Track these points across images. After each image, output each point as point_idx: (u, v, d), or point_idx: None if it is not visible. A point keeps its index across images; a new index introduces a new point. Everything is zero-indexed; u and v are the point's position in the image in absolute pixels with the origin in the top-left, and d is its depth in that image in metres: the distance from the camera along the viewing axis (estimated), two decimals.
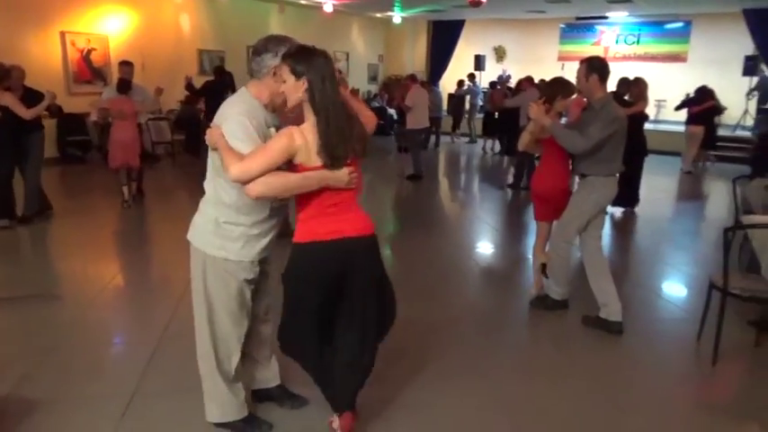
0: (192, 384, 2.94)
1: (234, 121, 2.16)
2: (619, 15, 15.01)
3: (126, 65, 6.83)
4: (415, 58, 17.84)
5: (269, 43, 2.23)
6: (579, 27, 16.35)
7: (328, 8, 13.10)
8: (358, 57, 16.12)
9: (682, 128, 10.88)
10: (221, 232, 2.29)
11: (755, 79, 12.66)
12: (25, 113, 5.48)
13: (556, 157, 3.89)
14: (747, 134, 12.31)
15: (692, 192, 9.41)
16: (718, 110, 10.83)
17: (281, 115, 2.33)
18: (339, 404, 2.39)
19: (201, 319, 2.41)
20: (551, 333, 3.87)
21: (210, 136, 2.17)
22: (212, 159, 2.27)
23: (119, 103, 6.48)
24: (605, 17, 15.41)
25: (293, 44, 2.21)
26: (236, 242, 2.29)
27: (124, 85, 6.53)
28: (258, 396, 2.75)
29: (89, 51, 10.18)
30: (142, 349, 3.32)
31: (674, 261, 5.47)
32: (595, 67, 3.61)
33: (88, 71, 10.24)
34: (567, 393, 3.02)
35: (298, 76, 2.09)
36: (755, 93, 12.68)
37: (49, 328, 3.62)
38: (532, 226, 6.92)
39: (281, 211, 2.38)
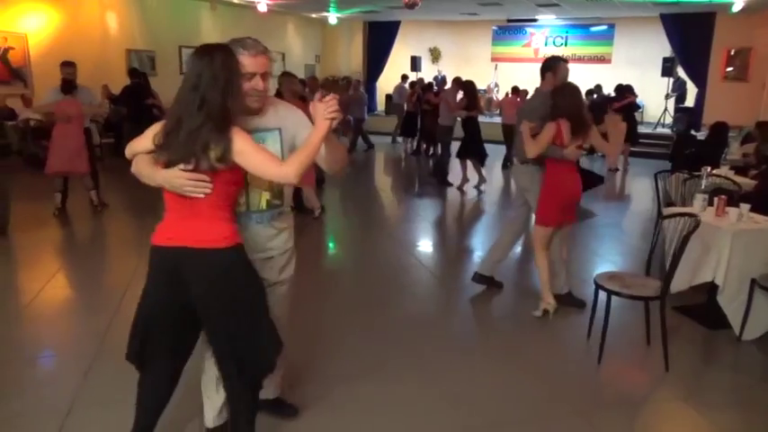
0: (133, 396, 2.87)
1: None
2: (547, 18, 15.60)
3: (68, 65, 6.44)
4: (351, 58, 17.88)
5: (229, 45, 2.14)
6: (510, 29, 16.86)
7: (262, 7, 12.93)
8: (294, 57, 15.97)
9: None
10: None
11: (672, 80, 13.48)
12: None
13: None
14: (667, 131, 13.07)
15: (618, 188, 9.91)
16: (637, 105, 11.46)
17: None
18: None
19: None
20: (489, 329, 4.00)
21: None
22: None
23: (64, 105, 6.09)
24: (535, 20, 15.97)
25: (238, 44, 2.10)
26: None
27: (68, 86, 6.15)
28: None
29: (6, 50, 9.63)
30: (78, 362, 3.18)
31: (603, 253, 5.75)
32: None
33: (6, 71, 9.68)
34: (502, 384, 3.14)
35: None
36: (674, 94, 13.50)
37: None
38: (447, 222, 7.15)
39: (241, 213, 2.22)
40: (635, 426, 2.84)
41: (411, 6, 11.35)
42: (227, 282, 2.03)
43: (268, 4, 12.99)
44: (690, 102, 13.30)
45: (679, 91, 13.44)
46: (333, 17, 15.69)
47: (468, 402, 2.92)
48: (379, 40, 17.03)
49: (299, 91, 6.36)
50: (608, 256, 5.63)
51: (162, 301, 2.09)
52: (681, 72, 13.40)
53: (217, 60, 1.94)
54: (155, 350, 2.14)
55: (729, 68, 12.99)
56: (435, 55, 17.82)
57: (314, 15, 16.12)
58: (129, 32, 11.66)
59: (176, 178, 1.96)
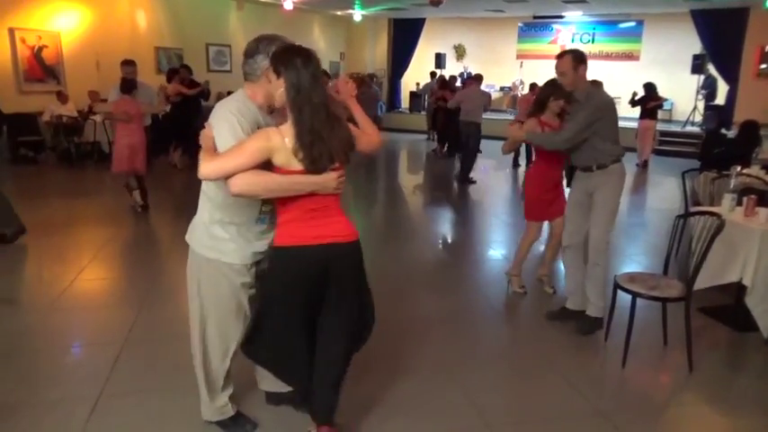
0: (160, 385, 2.95)
1: (221, 119, 2.14)
2: (574, 15, 15.40)
3: (127, 64, 6.47)
4: (376, 56, 17.90)
5: (260, 44, 2.19)
6: (536, 26, 16.69)
7: (288, 5, 12.99)
8: (319, 54, 15.28)
9: (635, 124, 11.30)
10: (213, 232, 2.26)
11: (702, 77, 13.19)
12: None
13: (545, 156, 4.06)
14: (696, 130, 12.81)
15: (647, 185, 9.78)
16: (660, 105, 11.45)
17: (279, 117, 2.29)
18: (316, 417, 2.39)
19: (194, 319, 2.40)
20: (509, 332, 3.98)
21: (203, 136, 2.14)
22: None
23: (123, 104, 6.12)
24: (561, 16, 15.79)
25: (282, 43, 2.19)
26: (229, 243, 2.25)
27: (128, 86, 6.16)
28: (272, 399, 2.73)
29: (40, 49, 9.88)
30: (106, 352, 3.27)
31: (629, 252, 5.68)
32: (583, 59, 3.63)
33: (40, 69, 9.93)
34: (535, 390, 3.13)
35: (278, 74, 2.07)
36: (704, 91, 13.21)
37: (4, 334, 3.52)
38: (485, 219, 7.12)
39: (274, 213, 2.28)
40: (658, 428, 2.80)
41: (436, 4, 11.32)
42: (360, 268, 2.30)
43: (294, 2, 13.05)
44: (720, 100, 13.01)
45: (709, 89, 13.16)
46: (358, 14, 15.72)
47: (489, 400, 2.92)
48: (404, 37, 17.01)
49: None
50: (633, 255, 5.56)
51: (310, 298, 2.23)
52: (711, 69, 13.11)
53: (317, 62, 2.11)
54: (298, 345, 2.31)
55: (763, 66, 12.66)
56: (460, 52, 17.74)
57: (339, 13, 16.17)
58: (157, 30, 11.86)
59: (330, 180, 2.11)
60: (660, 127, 11.50)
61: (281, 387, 2.65)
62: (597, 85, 4.27)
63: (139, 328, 3.63)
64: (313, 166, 2.06)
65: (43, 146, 9.81)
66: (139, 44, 11.44)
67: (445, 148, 11.73)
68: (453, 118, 9.36)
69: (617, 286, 3.36)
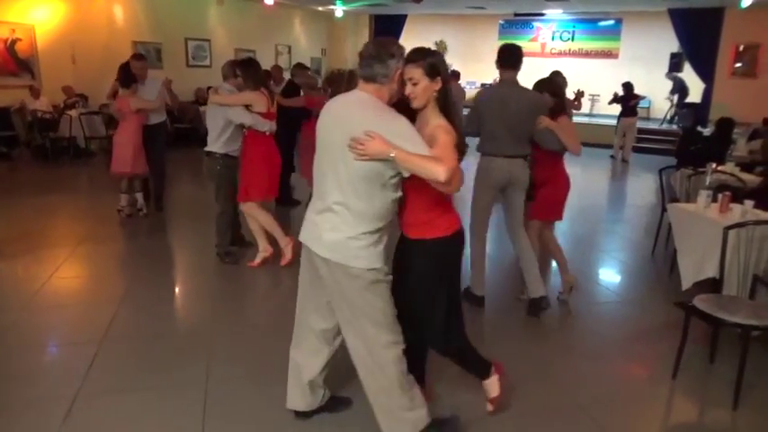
0: (137, 385, 2.92)
1: (399, 124, 2.13)
2: (554, 13, 15.52)
3: (136, 59, 5.93)
4: (357, 52, 17.82)
5: (392, 47, 2.22)
6: (517, 23, 16.79)
7: (269, 0, 12.90)
8: (300, 50, 15.96)
9: (614, 121, 11.47)
10: (363, 243, 2.21)
11: (671, 82, 13.42)
12: None
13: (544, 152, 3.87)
14: (673, 128, 13.01)
15: (625, 181, 9.91)
16: (638, 102, 11.70)
17: None
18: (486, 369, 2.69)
19: (379, 337, 2.30)
20: (496, 327, 4.01)
21: (373, 146, 2.04)
22: (352, 169, 2.13)
23: (118, 101, 5.73)
24: (542, 14, 15.90)
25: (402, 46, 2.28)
26: (372, 249, 2.23)
27: (126, 80, 5.69)
28: (300, 415, 2.65)
29: (14, 42, 9.66)
30: (83, 352, 3.22)
31: (607, 248, 5.75)
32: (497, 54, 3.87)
33: (13, 63, 9.71)
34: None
35: (433, 76, 2.21)
36: (672, 95, 13.43)
37: None
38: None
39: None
40: (637, 421, 2.85)
41: (418, 0, 11.31)
42: None
43: None
44: (696, 98, 13.23)
45: (679, 89, 13.34)
46: (339, 10, 15.65)
47: (467, 395, 2.93)
48: (386, 33, 16.81)
49: (313, 84, 6.46)
50: (611, 251, 5.63)
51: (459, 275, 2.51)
52: (681, 71, 13.33)
53: None
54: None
55: (738, 64, 12.90)
56: (441, 49, 17.75)
57: (320, 8, 16.09)
58: (135, 24, 11.68)
59: None
60: (638, 125, 11.66)
61: (311, 405, 2.63)
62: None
63: (117, 326, 3.58)
64: (463, 157, 2.26)
65: (17, 141, 9.60)
66: (117, 38, 11.25)
67: None
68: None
69: (713, 319, 3.03)
